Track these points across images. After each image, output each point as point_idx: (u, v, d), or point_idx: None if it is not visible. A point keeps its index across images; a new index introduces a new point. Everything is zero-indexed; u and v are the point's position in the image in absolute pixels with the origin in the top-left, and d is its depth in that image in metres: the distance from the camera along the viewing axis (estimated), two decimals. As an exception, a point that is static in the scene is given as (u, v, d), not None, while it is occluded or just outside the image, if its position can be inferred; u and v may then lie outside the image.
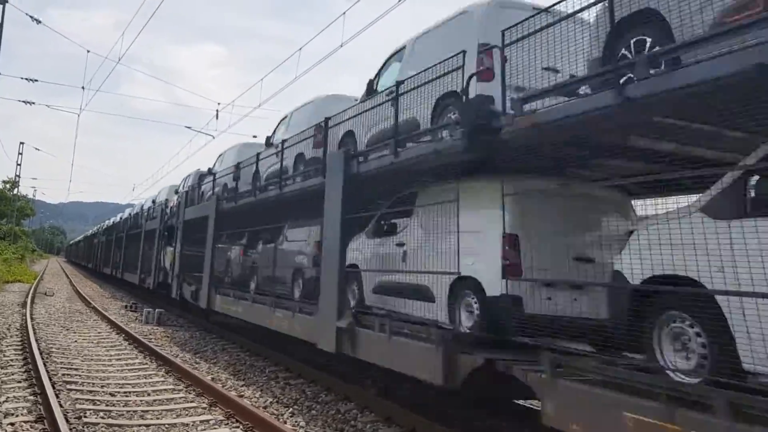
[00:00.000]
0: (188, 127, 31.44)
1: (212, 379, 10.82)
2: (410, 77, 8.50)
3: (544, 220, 6.77)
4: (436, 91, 7.83)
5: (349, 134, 10.27)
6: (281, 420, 8.34)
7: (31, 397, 8.80)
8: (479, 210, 7.23)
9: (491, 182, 7.09)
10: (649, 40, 5.14)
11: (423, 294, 7.93)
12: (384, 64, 10.26)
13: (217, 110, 26.79)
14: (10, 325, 16.24)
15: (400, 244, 8.81)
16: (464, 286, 7.23)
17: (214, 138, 29.69)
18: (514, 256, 6.67)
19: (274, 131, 15.00)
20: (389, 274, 9.12)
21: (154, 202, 28.87)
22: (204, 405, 8.98)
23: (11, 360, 11.52)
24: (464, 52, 7.28)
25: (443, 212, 7.54)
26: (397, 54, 9.96)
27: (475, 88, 7.13)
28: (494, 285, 6.73)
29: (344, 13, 14.35)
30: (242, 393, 9.89)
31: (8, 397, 8.70)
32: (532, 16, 6.27)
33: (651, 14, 5.07)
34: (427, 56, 8.42)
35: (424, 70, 8.01)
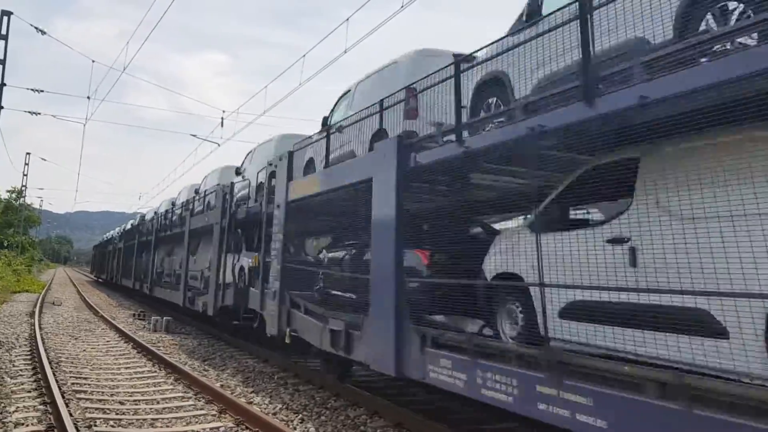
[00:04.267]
0: (193, 135, 31.50)
1: (221, 386, 10.81)
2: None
3: None
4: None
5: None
6: (291, 426, 8.33)
7: (41, 407, 8.81)
8: None
9: None
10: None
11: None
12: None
13: (222, 118, 26.88)
14: (18, 335, 16.28)
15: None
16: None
17: (219, 146, 29.73)
18: None
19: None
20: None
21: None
22: (214, 412, 8.98)
23: (21, 370, 11.54)
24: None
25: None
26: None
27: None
28: None
29: (347, 19, 14.37)
30: (252, 400, 9.88)
31: (18, 407, 8.70)
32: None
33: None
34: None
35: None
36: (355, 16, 14.22)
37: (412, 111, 8.44)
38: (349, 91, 11.91)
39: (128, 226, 39.38)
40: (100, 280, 57.95)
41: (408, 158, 7.82)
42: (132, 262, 33.35)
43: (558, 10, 5.75)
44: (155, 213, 28.31)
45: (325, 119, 12.37)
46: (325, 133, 11.43)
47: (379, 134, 9.20)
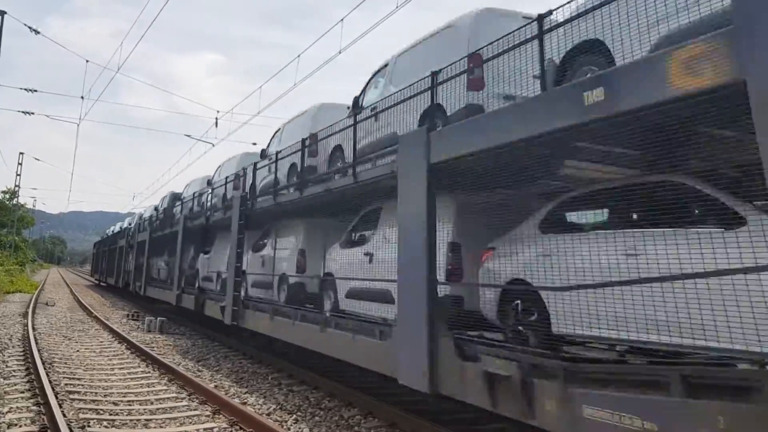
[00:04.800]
0: (188, 135, 31.49)
1: (215, 386, 10.80)
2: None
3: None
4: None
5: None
6: (285, 427, 8.34)
7: (35, 408, 8.80)
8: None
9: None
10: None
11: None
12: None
13: (216, 118, 26.88)
14: (12, 336, 16.23)
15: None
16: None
17: (213, 146, 29.76)
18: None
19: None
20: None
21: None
22: (207, 413, 8.98)
23: (14, 370, 11.51)
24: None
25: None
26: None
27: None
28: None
29: (342, 20, 14.40)
30: (246, 400, 9.88)
31: (11, 408, 8.69)
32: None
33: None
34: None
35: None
36: (350, 16, 14.24)
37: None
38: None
39: (151, 213, 29.16)
40: (103, 284, 48.73)
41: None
42: (161, 261, 25.04)
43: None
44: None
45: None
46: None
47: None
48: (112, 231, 45.02)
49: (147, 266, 26.45)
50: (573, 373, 5.21)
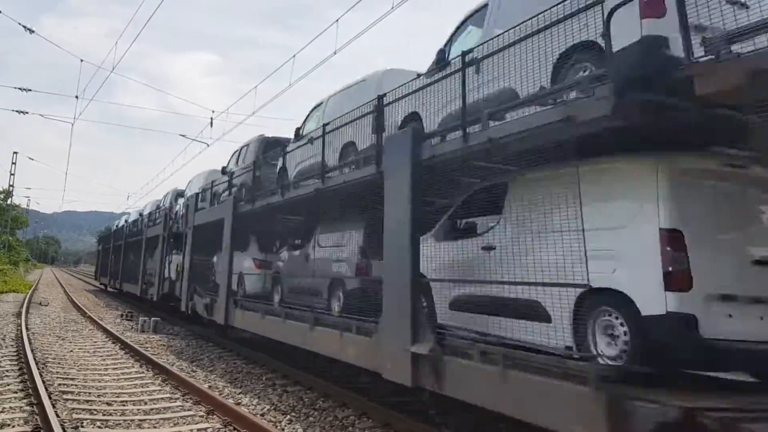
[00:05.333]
0: (182, 135, 31.42)
1: (209, 387, 10.79)
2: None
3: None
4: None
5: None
6: (279, 427, 8.33)
7: (28, 408, 8.76)
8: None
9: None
10: None
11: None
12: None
13: (211, 118, 26.83)
14: (5, 336, 16.15)
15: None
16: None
17: (208, 146, 29.67)
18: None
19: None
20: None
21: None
22: (201, 413, 8.96)
23: (7, 370, 11.46)
24: None
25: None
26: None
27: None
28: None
29: (337, 20, 14.38)
30: (240, 401, 9.87)
31: (4, 408, 8.66)
32: None
33: None
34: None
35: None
36: (345, 17, 14.24)
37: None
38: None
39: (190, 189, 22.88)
40: (112, 290, 39.37)
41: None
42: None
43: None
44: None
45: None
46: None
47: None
48: (126, 221, 35.91)
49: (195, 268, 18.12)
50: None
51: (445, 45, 8.71)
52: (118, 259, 34.63)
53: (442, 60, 8.48)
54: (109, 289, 41.10)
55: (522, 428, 5.65)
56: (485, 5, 8.06)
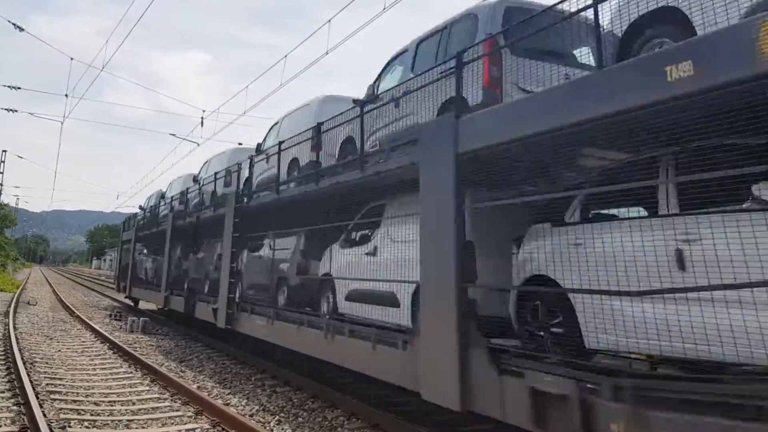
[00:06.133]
0: (172, 135, 31.31)
1: (198, 387, 10.76)
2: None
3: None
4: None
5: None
6: (268, 428, 8.32)
7: (15, 407, 8.71)
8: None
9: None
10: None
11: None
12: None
13: (202, 117, 26.74)
14: (-8, 335, 16.07)
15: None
16: None
17: (198, 145, 29.56)
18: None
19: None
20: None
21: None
22: (190, 413, 8.94)
23: (-6, 370, 11.40)
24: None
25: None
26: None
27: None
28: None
29: (329, 20, 14.39)
30: (228, 401, 9.85)
31: (-9, 408, 8.61)
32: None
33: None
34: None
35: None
36: (338, 17, 14.25)
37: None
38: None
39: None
40: (158, 310, 23.96)
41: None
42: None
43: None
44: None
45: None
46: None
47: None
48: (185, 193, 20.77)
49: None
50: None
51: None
52: (183, 256, 19.93)
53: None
54: (156, 308, 24.33)
55: (508, 429, 5.66)
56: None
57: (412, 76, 8.67)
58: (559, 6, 5.76)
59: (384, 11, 12.27)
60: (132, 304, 28.29)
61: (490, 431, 7.56)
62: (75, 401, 9.46)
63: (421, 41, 9.22)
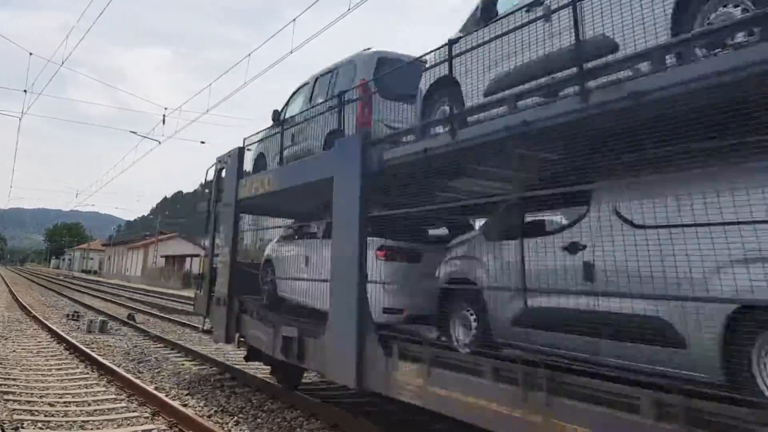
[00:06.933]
0: (133, 132, 30.90)
1: (156, 388, 10.63)
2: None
3: None
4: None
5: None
6: (225, 429, 8.26)
7: (-35, 409, 8.53)
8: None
9: None
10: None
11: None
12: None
13: (164, 115, 26.50)
14: (-57, 335, 15.67)
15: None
16: None
17: (160, 143, 29.22)
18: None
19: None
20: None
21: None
22: (146, 415, 8.83)
23: (-56, 371, 11.13)
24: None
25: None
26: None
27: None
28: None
29: (294, 20, 14.37)
30: (186, 402, 9.75)
31: (-60, 409, 8.41)
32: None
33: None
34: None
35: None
36: (302, 16, 14.24)
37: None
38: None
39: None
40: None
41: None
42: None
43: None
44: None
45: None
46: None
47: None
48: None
49: None
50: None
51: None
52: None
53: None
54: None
55: (469, 429, 5.71)
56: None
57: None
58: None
59: (349, 11, 12.32)
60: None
61: (450, 431, 7.62)
62: (29, 402, 9.29)
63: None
